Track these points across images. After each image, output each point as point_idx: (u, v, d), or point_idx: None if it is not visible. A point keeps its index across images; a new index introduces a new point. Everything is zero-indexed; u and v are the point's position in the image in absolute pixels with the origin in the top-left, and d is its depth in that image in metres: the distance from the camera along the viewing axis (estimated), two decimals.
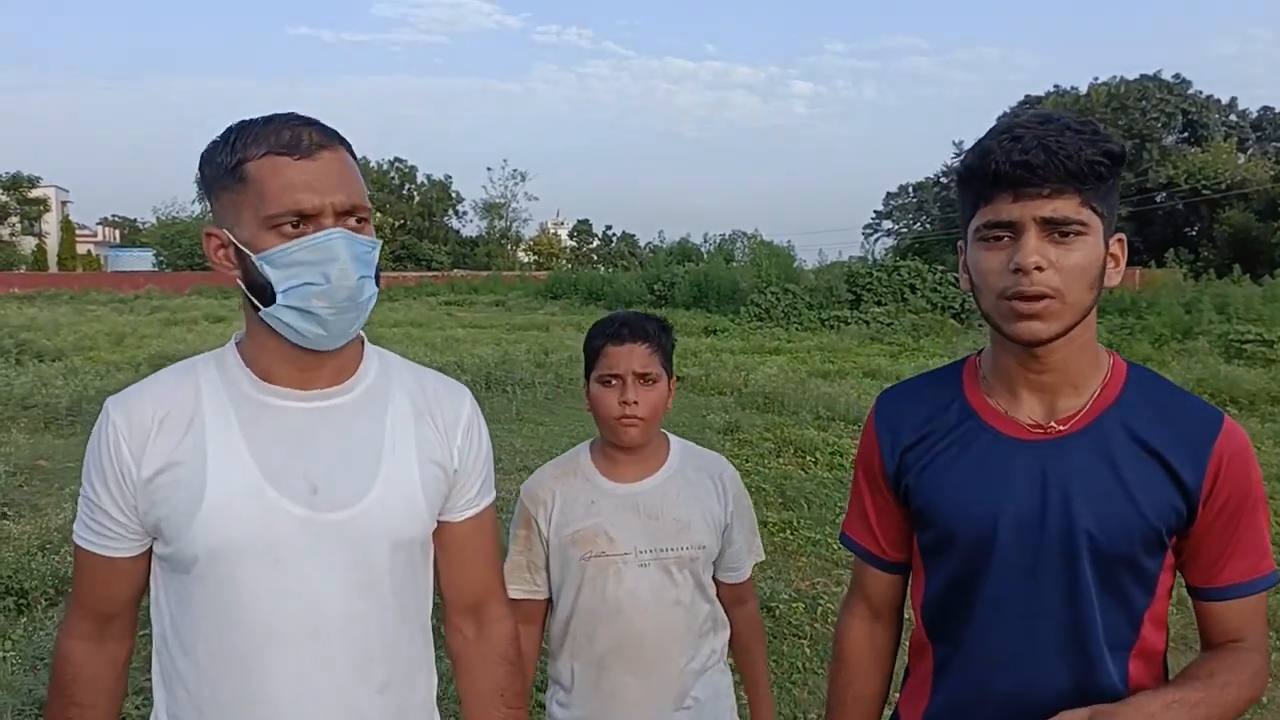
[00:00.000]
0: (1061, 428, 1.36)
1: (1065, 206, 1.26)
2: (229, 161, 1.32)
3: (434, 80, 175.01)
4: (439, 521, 1.53)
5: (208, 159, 1.36)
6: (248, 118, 1.36)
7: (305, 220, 1.30)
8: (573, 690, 2.06)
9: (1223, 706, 1.29)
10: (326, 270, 1.30)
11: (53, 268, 57.27)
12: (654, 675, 2.00)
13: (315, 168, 1.31)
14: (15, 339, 16.13)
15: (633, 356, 2.01)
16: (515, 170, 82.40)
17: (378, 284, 1.39)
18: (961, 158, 1.36)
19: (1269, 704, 4.08)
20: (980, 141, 1.32)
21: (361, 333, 1.46)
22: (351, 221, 1.33)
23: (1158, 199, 46.62)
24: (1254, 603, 1.38)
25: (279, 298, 1.31)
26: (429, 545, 1.54)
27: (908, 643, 1.60)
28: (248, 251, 1.32)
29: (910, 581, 1.57)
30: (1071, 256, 1.27)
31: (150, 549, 1.43)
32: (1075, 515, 1.32)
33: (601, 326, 2.09)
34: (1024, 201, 1.26)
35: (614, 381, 2.02)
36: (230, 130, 1.35)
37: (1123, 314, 21.66)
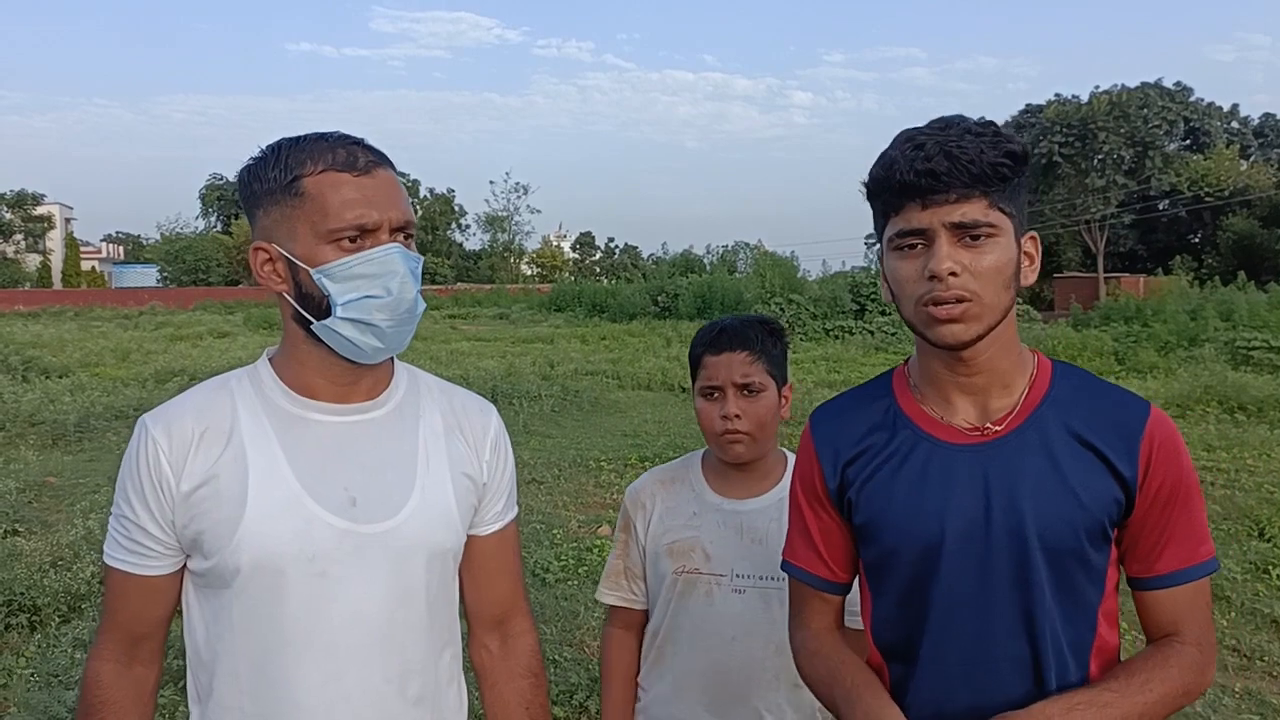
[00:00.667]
0: (998, 428, 1.36)
1: (973, 210, 1.27)
2: (283, 178, 1.34)
3: (435, 94, 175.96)
4: (467, 536, 1.55)
5: (255, 175, 1.38)
6: (289, 136, 1.39)
7: (364, 235, 1.33)
8: (649, 706, 1.97)
9: (1145, 704, 1.26)
10: (388, 284, 1.34)
11: (57, 284, 57.42)
12: (730, 715, 1.87)
13: (373, 184, 1.35)
14: (22, 356, 16.17)
15: (732, 366, 1.88)
16: (518, 183, 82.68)
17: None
18: (869, 169, 1.36)
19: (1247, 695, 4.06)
20: (884, 152, 1.32)
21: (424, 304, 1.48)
22: (401, 237, 1.37)
23: (1161, 206, 46.67)
24: (1193, 590, 1.36)
25: (338, 310, 1.34)
26: (459, 558, 1.55)
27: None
28: (303, 265, 1.34)
29: (861, 605, 1.51)
30: (984, 259, 1.28)
31: (182, 569, 1.43)
32: (1022, 515, 1.32)
33: (702, 334, 1.98)
34: (932, 208, 1.27)
35: (715, 394, 1.90)
36: (278, 148, 1.37)
37: (1128, 322, 21.64)
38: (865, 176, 1.37)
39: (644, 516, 1.99)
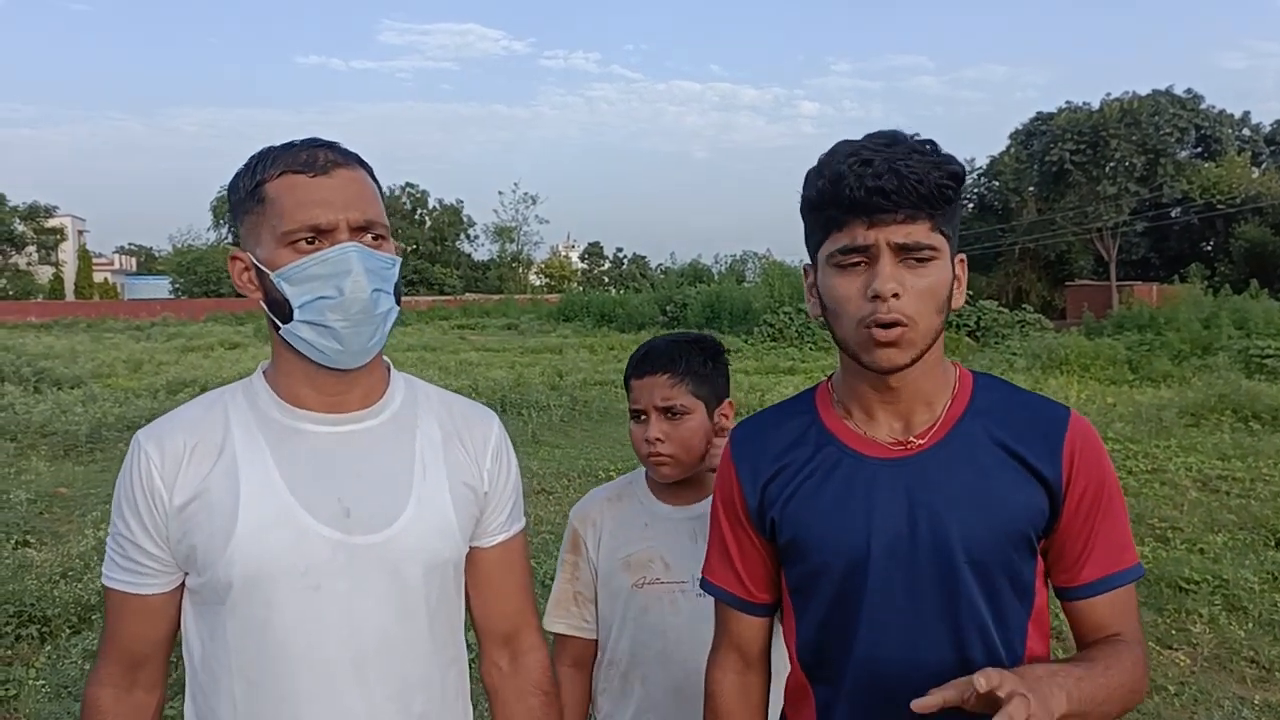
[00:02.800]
0: (920, 442, 1.35)
1: (918, 231, 1.25)
2: (249, 185, 1.35)
3: (443, 106, 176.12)
4: (471, 548, 1.52)
5: (233, 186, 1.39)
6: (269, 146, 1.40)
7: (321, 236, 1.31)
8: None
9: (1108, 689, 1.24)
10: (340, 284, 1.31)
11: (70, 296, 57.71)
12: None
13: (330, 184, 1.33)
14: (34, 367, 16.25)
15: (654, 389, 1.88)
16: (526, 194, 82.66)
17: (398, 302, 1.39)
18: (807, 182, 1.33)
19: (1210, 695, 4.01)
20: (829, 165, 1.29)
21: (386, 359, 1.47)
22: (368, 237, 1.34)
23: (1173, 214, 46.50)
24: (1122, 596, 1.35)
25: (296, 314, 1.32)
26: (461, 570, 1.52)
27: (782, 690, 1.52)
28: (266, 270, 1.33)
29: (781, 624, 1.48)
30: (924, 281, 1.26)
31: (181, 587, 1.41)
32: (947, 528, 1.30)
33: (632, 356, 1.97)
34: (879, 227, 1.25)
35: (641, 417, 1.90)
36: (254, 157, 1.38)
37: (1141, 330, 21.56)
38: (802, 187, 1.34)
39: (594, 534, 1.96)
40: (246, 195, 1.34)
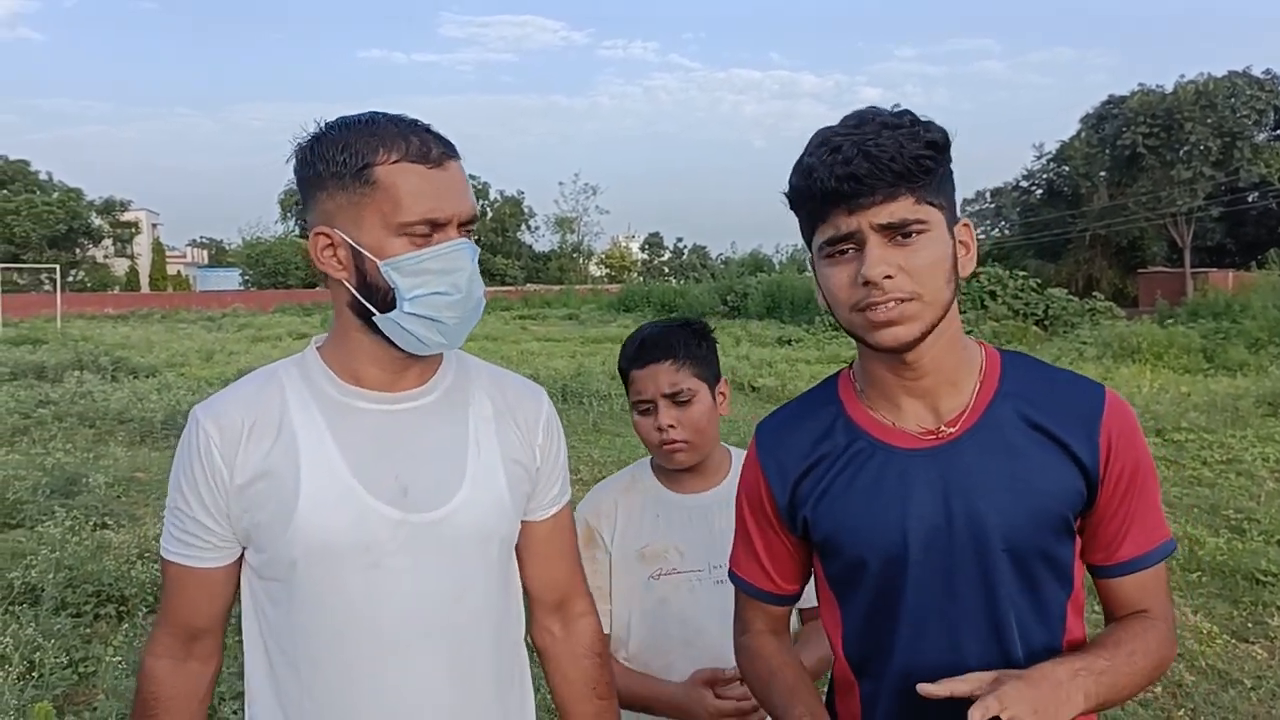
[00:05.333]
0: (951, 429, 1.32)
1: (900, 209, 1.22)
2: (353, 163, 1.29)
3: (503, 98, 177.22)
4: (523, 521, 1.54)
5: (318, 155, 1.33)
6: (351, 117, 1.35)
7: (435, 229, 1.31)
8: None
9: (1131, 675, 1.25)
10: (456, 280, 1.32)
11: (145, 288, 59.23)
12: None
13: (445, 177, 1.32)
14: (111, 356, 16.74)
15: (658, 377, 1.87)
16: (586, 184, 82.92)
17: None
18: (788, 178, 1.31)
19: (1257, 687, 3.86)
20: (801, 159, 1.27)
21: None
22: (466, 232, 1.35)
23: (1250, 198, 44.96)
24: (1154, 573, 1.34)
25: (405, 304, 1.31)
26: (514, 543, 1.54)
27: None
28: (370, 255, 1.31)
29: (825, 617, 1.47)
30: (917, 256, 1.23)
31: (238, 561, 1.43)
32: (984, 518, 1.28)
33: (625, 347, 1.95)
34: (859, 212, 1.22)
35: (647, 408, 1.90)
36: (345, 129, 1.32)
37: (1216, 318, 20.95)
38: (784, 186, 1.31)
39: (609, 526, 1.95)
40: (349, 173, 1.29)
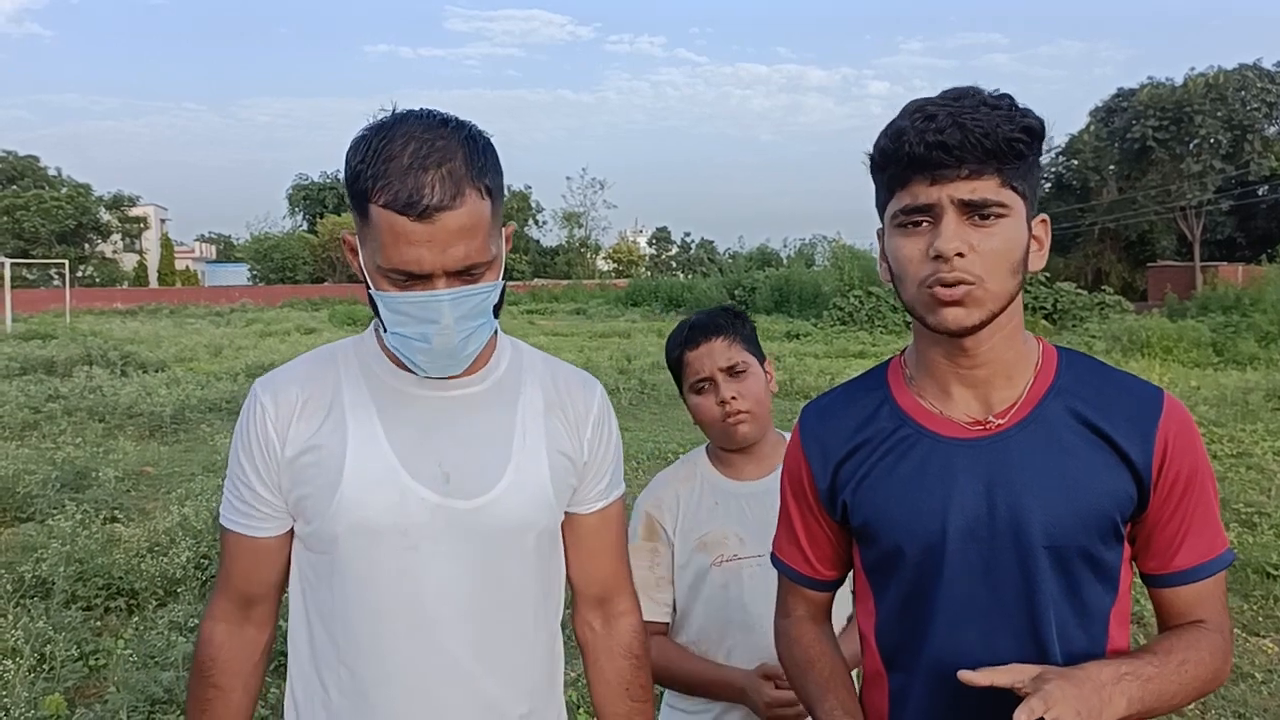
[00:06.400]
0: (1000, 422, 1.29)
1: (984, 188, 1.18)
2: (356, 189, 1.28)
3: (510, 93, 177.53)
4: (568, 514, 1.54)
5: (347, 163, 1.31)
6: (386, 124, 1.29)
7: (414, 280, 1.28)
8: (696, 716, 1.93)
9: (1180, 684, 1.21)
10: (425, 331, 1.30)
11: (153, 283, 59.39)
12: None
13: (430, 232, 1.24)
14: (120, 351, 16.82)
15: (714, 353, 1.91)
16: (594, 179, 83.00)
17: (496, 315, 1.38)
18: (875, 140, 1.27)
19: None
20: (893, 122, 1.24)
21: (495, 322, 1.41)
22: (465, 278, 1.30)
23: (1260, 192, 44.72)
24: (1212, 584, 1.30)
25: (387, 336, 1.35)
26: (558, 537, 1.54)
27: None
28: (367, 278, 1.34)
29: (859, 608, 1.45)
30: (992, 240, 1.19)
31: (291, 532, 1.47)
32: (1027, 514, 1.24)
33: (674, 336, 2.00)
34: (941, 184, 1.19)
35: (705, 386, 1.92)
36: (370, 143, 1.27)
37: (1226, 312, 20.85)
38: (870, 148, 1.28)
39: (671, 517, 1.97)
40: (356, 197, 1.28)
